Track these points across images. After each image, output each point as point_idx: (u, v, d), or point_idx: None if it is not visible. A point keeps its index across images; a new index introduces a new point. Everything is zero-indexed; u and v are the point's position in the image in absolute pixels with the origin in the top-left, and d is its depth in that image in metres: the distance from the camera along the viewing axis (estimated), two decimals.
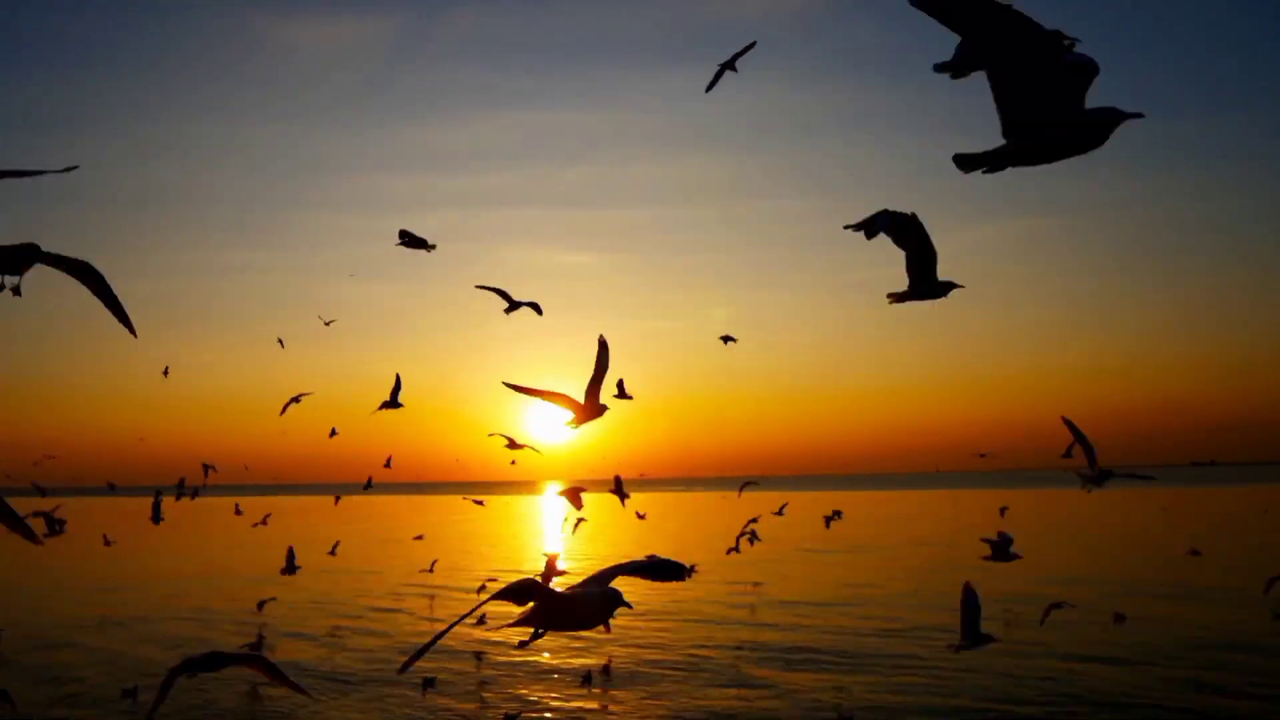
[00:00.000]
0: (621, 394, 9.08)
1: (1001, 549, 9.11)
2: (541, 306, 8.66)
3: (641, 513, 29.06)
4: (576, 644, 16.60)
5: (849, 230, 4.02)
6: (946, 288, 4.13)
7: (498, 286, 8.47)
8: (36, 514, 15.17)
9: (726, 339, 12.35)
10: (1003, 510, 24.17)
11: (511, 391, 5.89)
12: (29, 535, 3.79)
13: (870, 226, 3.95)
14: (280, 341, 15.42)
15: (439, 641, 3.04)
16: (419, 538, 31.30)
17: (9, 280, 4.11)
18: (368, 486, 20.43)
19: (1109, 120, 2.71)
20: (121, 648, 17.01)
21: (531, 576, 3.36)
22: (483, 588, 21.27)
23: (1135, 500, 64.29)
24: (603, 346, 6.08)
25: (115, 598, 23.74)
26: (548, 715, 12.19)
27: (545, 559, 11.91)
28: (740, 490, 23.80)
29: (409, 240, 8.50)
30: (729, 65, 8.52)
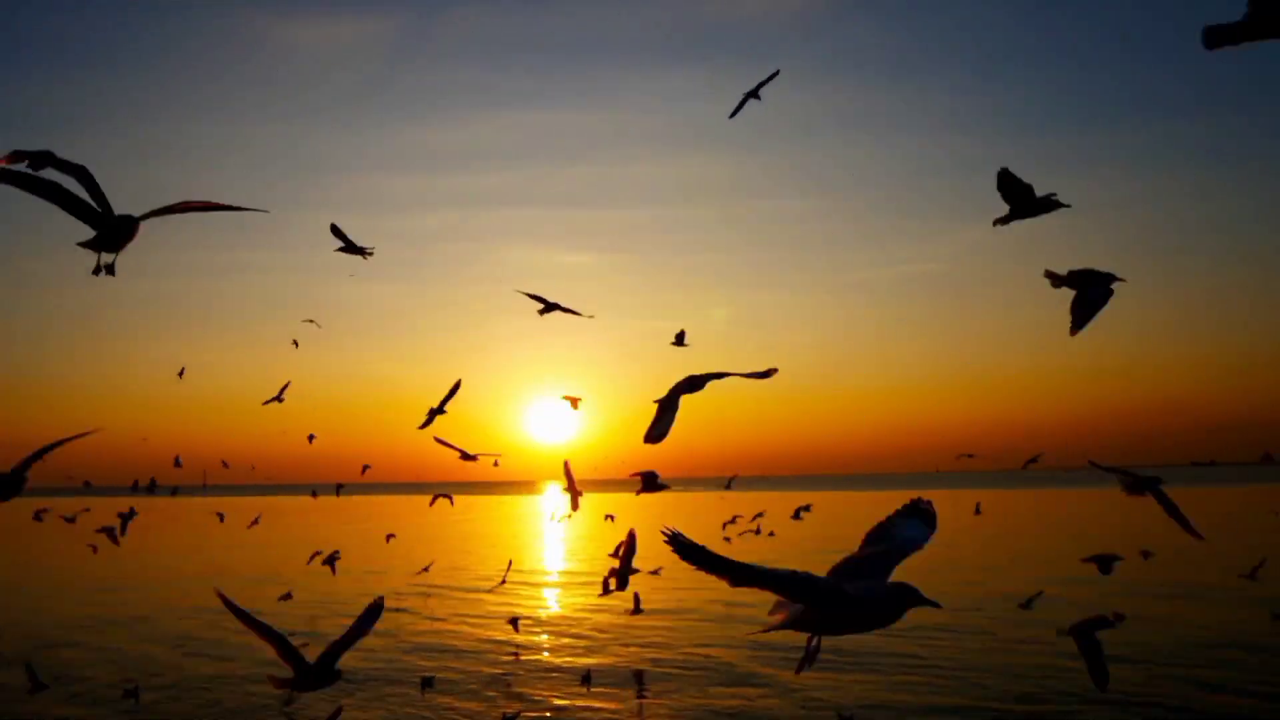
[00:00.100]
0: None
1: (1105, 565, 9.54)
2: (579, 309, 8.54)
3: (610, 514, 29.28)
4: (577, 644, 16.62)
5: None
6: (1048, 204, 4.22)
7: (536, 293, 8.34)
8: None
9: (678, 340, 9.48)
10: (977, 508, 24.06)
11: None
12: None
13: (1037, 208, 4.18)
14: (295, 342, 14.70)
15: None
16: (391, 536, 31.38)
17: (104, 258, 3.54)
18: (339, 490, 20.58)
19: None
20: (122, 647, 17.02)
21: (805, 571, 2.69)
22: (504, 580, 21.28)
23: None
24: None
25: (115, 598, 23.74)
26: (548, 715, 12.19)
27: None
28: (727, 486, 23.82)
29: (343, 240, 7.79)
30: (753, 94, 8.53)
